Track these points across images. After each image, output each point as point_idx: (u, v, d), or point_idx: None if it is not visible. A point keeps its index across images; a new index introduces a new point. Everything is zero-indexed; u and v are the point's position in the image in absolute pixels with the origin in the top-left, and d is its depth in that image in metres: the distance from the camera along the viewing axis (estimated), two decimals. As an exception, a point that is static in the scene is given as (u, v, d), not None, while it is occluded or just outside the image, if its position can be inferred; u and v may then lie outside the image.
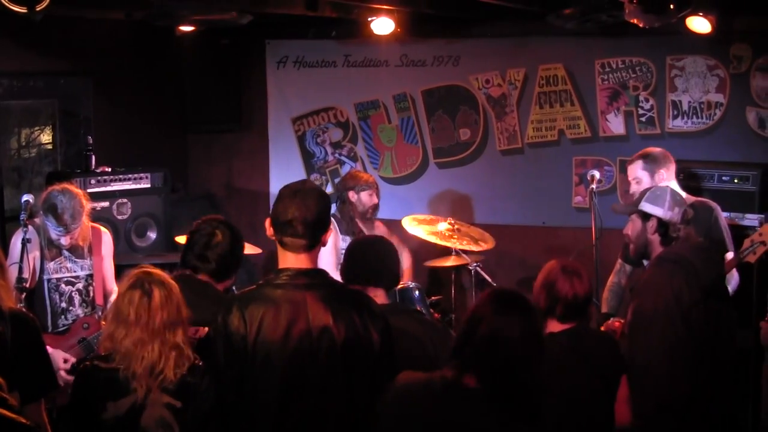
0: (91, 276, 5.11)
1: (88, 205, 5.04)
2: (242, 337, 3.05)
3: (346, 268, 3.82)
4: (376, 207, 6.40)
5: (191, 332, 3.51)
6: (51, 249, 5.04)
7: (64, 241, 4.98)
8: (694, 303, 3.75)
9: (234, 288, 6.08)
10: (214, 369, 3.15)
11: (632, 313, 3.94)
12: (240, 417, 3.09)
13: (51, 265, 5.05)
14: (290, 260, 3.20)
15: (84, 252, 5.12)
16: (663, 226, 4.11)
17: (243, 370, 3.06)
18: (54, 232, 4.94)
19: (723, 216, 5.48)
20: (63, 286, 5.07)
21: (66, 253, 5.07)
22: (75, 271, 5.09)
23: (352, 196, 6.34)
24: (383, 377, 3.13)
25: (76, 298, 5.10)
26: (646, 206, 4.17)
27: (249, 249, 5.96)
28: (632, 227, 4.24)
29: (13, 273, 4.75)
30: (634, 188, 5.37)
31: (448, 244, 6.33)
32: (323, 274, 3.25)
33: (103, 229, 5.32)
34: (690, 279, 3.79)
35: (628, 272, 5.61)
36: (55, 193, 4.93)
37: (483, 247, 6.40)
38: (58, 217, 4.87)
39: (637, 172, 5.41)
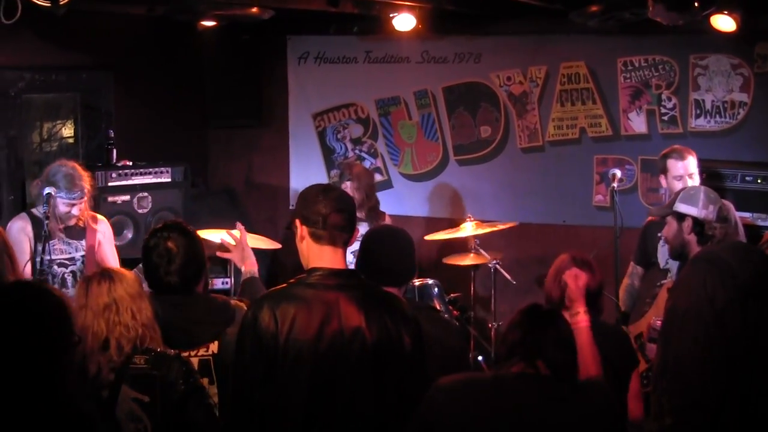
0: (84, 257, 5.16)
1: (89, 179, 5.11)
2: (273, 336, 3.03)
3: (359, 264, 3.78)
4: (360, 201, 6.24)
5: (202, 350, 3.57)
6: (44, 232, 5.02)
7: (76, 210, 5.02)
8: (729, 303, 3.71)
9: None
10: (240, 366, 3.13)
11: (666, 312, 3.93)
12: (268, 416, 3.08)
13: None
14: (327, 256, 3.16)
15: (79, 232, 5.15)
16: (698, 225, 4.07)
17: (272, 369, 3.04)
18: (67, 201, 4.97)
19: (737, 214, 5.48)
20: (56, 267, 5.08)
21: (60, 235, 5.09)
22: (69, 253, 5.13)
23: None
24: (413, 381, 3.12)
25: (69, 280, 5.12)
26: (680, 207, 4.13)
27: (268, 244, 5.97)
28: (668, 229, 4.20)
29: (29, 268, 4.81)
30: (689, 183, 5.34)
31: (467, 234, 6.33)
32: (356, 274, 3.25)
33: (100, 216, 5.38)
34: (725, 279, 3.73)
35: (640, 274, 5.63)
36: (56, 165, 5.03)
37: (502, 227, 6.40)
38: (72, 182, 4.92)
39: (695, 166, 5.45)
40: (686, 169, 5.44)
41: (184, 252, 3.69)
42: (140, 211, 6.70)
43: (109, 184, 6.45)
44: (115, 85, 7.26)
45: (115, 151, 6.74)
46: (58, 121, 7.02)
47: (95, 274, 3.48)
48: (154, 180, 6.79)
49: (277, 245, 6.11)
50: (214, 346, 3.60)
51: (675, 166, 5.46)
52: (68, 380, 2.75)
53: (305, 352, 3.03)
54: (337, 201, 3.17)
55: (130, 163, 6.73)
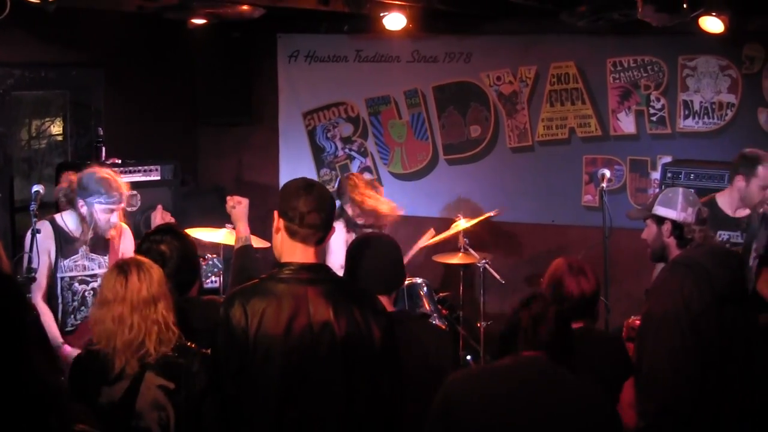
0: None
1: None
2: (243, 331, 3.06)
3: (346, 274, 3.69)
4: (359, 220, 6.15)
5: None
6: (67, 246, 4.90)
7: (115, 217, 4.87)
8: (705, 309, 3.71)
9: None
10: (215, 361, 3.16)
11: (643, 315, 3.93)
12: (241, 410, 3.10)
13: (66, 263, 4.90)
14: (298, 253, 3.19)
15: (102, 247, 4.97)
16: (677, 228, 4.06)
17: (243, 363, 3.07)
18: (106, 208, 4.81)
19: None
20: (76, 285, 4.92)
21: (82, 250, 4.93)
22: (92, 269, 4.94)
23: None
24: (384, 374, 3.14)
25: (89, 298, 4.91)
26: (659, 209, 4.13)
27: (258, 243, 5.96)
28: (648, 232, 4.20)
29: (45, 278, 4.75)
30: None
31: (456, 230, 6.34)
32: (326, 269, 3.25)
33: (123, 225, 5.18)
34: (702, 284, 3.75)
35: None
36: (88, 172, 4.86)
37: (489, 214, 6.40)
38: (109, 185, 4.80)
39: None
40: None
41: (178, 255, 3.69)
42: (129, 209, 6.66)
43: (98, 181, 6.42)
44: (105, 82, 7.24)
45: (104, 148, 6.71)
46: (48, 119, 7.01)
47: (130, 264, 3.38)
48: (144, 178, 6.76)
49: (267, 244, 6.09)
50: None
51: (766, 174, 5.11)
52: (32, 355, 2.70)
53: (275, 346, 3.05)
54: (317, 200, 3.19)
55: (120, 161, 6.70)
